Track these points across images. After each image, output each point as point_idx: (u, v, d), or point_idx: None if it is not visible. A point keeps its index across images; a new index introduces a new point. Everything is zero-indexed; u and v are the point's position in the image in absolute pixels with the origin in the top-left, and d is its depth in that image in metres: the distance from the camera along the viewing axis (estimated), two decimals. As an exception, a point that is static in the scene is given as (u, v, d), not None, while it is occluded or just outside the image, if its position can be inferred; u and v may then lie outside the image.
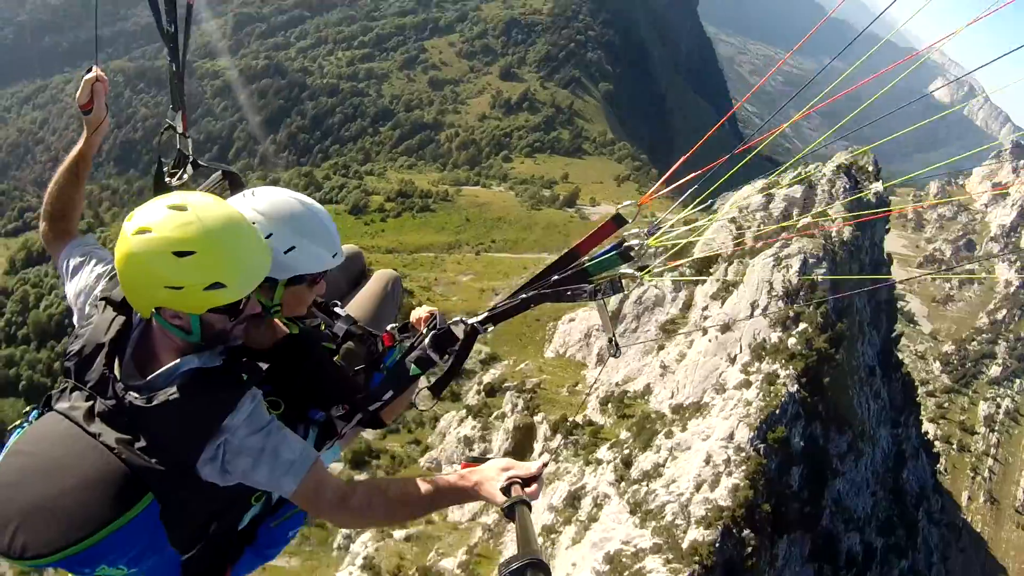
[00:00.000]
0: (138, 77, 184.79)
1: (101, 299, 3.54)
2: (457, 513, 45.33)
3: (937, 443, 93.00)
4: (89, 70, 4.13)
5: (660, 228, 3.67)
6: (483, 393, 55.37)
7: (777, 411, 33.18)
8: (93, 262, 3.86)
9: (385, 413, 4.06)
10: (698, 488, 33.05)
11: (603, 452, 39.30)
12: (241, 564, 3.87)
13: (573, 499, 37.57)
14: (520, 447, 46.95)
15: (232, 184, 4.24)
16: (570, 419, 45.60)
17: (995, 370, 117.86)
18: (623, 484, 35.56)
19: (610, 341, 3.86)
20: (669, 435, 35.60)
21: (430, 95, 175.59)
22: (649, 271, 3.68)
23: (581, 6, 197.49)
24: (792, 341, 35.82)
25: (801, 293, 37.78)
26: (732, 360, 37.58)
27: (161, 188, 4.30)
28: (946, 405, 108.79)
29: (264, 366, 3.50)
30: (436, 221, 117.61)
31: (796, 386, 34.08)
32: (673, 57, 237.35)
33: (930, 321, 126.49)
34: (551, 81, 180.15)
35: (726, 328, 38.89)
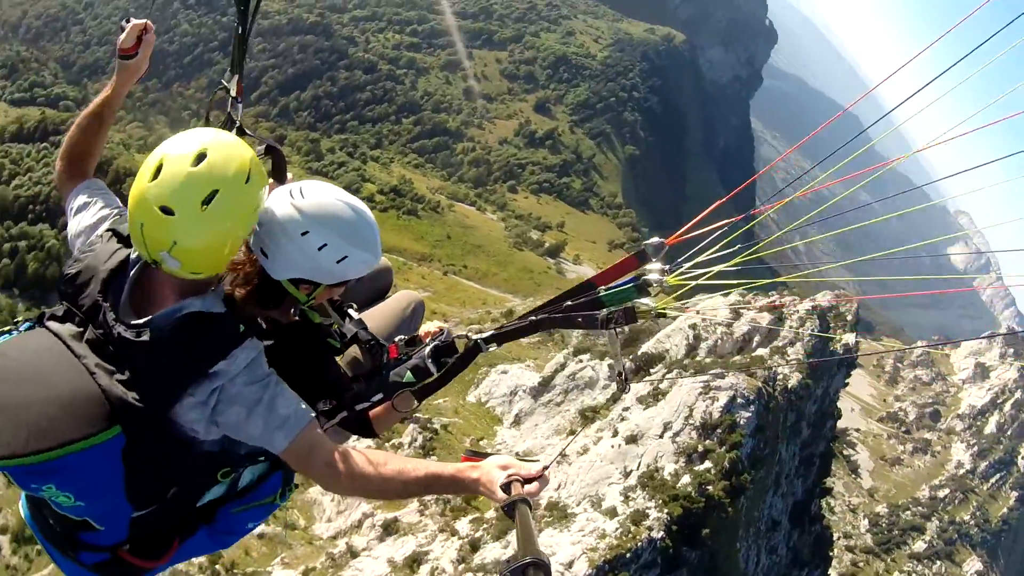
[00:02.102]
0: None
1: (108, 230, 3.58)
2: (322, 527, 43.33)
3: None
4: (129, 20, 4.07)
5: (680, 267, 3.71)
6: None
7: (628, 555, 30.82)
8: (99, 204, 3.88)
9: (377, 424, 4.03)
10: (522, 611, 30.62)
11: (463, 523, 37.10)
12: (193, 541, 3.80)
13: (414, 561, 35.27)
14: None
15: (274, 162, 4.32)
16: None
17: (920, 545, 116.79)
18: (461, 567, 33.34)
19: (619, 375, 3.86)
20: (521, 537, 33.32)
21: (461, 103, 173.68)
22: (665, 305, 3.67)
23: (635, 65, 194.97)
24: (686, 480, 33.45)
25: (718, 431, 35.43)
26: (626, 475, 35.34)
27: None
28: (861, 565, 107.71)
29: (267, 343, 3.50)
30: (418, 228, 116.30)
31: (663, 533, 31.66)
32: (710, 142, 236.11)
33: (872, 478, 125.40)
34: (581, 128, 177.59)
35: (632, 440, 36.57)
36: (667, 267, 3.61)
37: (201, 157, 3.08)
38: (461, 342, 4.05)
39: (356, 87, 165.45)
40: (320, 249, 3.51)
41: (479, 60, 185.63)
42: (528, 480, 3.09)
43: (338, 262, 3.57)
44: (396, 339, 4.37)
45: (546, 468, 3.19)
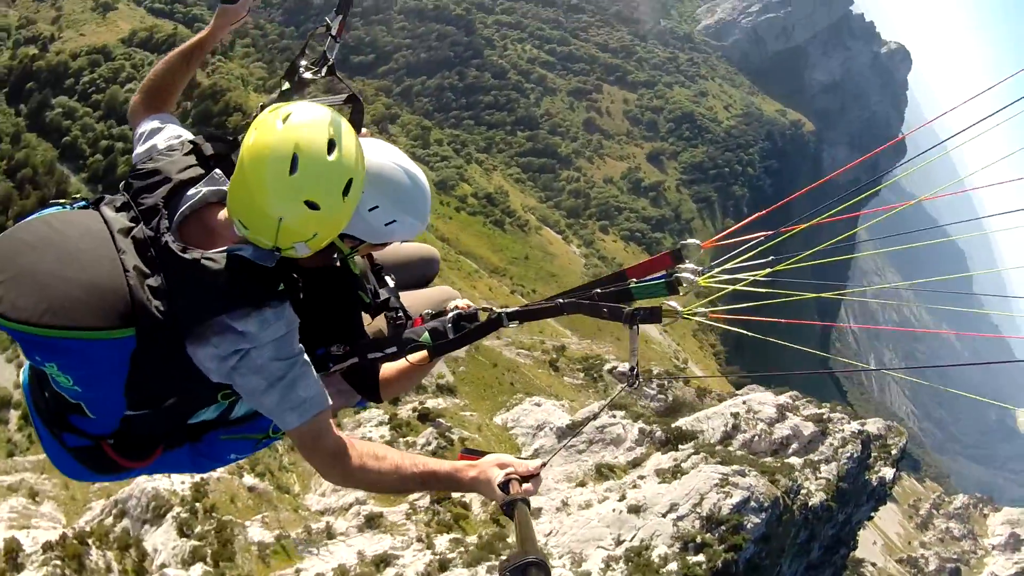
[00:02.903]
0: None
1: (190, 141, 3.66)
2: (313, 499, 43.14)
3: None
4: None
5: (713, 270, 3.65)
6: (415, 412, 52.71)
7: (591, 628, 30.07)
8: (171, 129, 3.90)
9: (385, 388, 4.13)
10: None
11: (443, 540, 36.57)
12: (175, 455, 3.88)
13: (382, 561, 34.63)
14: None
15: (353, 112, 4.17)
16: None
17: None
18: (426, 583, 32.85)
19: (631, 370, 3.76)
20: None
21: (578, 132, 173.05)
22: (690, 310, 3.57)
23: (757, 142, 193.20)
24: (673, 567, 32.37)
25: (722, 527, 34.31)
26: (617, 543, 34.45)
27: (292, 75, 4.40)
28: None
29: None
30: (500, 241, 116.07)
31: (631, 616, 30.71)
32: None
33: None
34: (688, 188, 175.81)
35: (635, 510, 35.67)
36: (701, 269, 3.58)
37: (332, 144, 3.11)
38: (485, 315, 4.08)
39: (481, 88, 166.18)
40: (371, 211, 3.64)
41: (607, 96, 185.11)
42: (526, 478, 3.18)
43: (387, 224, 3.71)
44: (423, 312, 4.40)
45: (543, 466, 3.27)
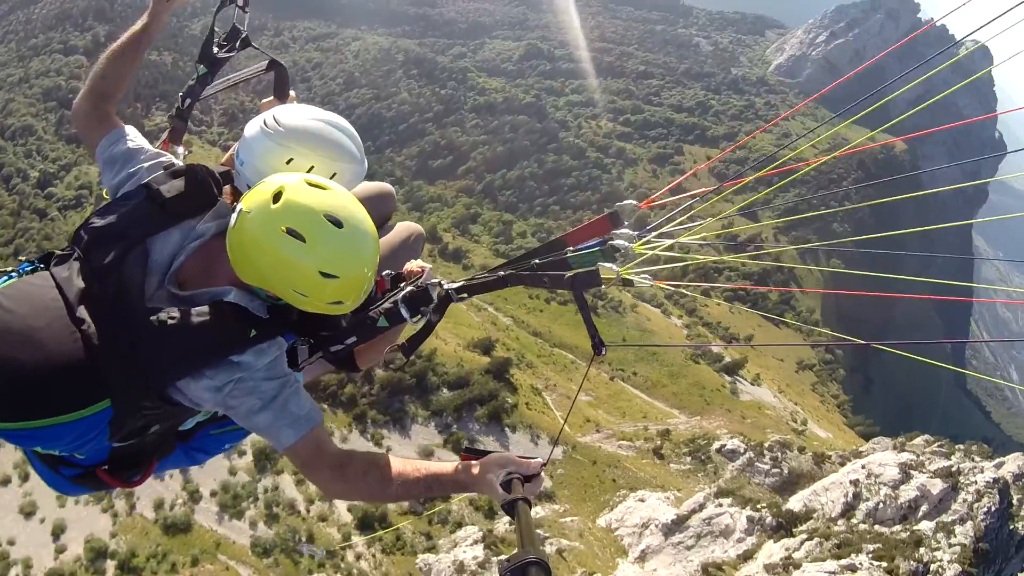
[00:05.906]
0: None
1: (144, 187, 3.54)
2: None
3: None
4: None
5: (649, 235, 3.75)
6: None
7: None
8: (138, 162, 3.74)
9: (360, 359, 4.13)
10: None
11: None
12: (169, 460, 3.87)
13: None
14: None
15: (277, 78, 4.53)
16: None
17: None
18: None
19: (592, 339, 3.76)
20: None
21: (666, 197, 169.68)
22: (627, 270, 3.57)
23: (849, 174, 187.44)
24: None
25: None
26: None
27: (207, 57, 4.44)
28: None
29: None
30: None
31: None
32: (924, 261, 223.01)
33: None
34: (785, 235, 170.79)
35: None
36: (636, 233, 3.63)
37: (335, 223, 3.10)
38: (435, 292, 3.85)
39: (562, 172, 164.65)
40: (309, 172, 3.49)
41: (689, 155, 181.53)
42: (527, 478, 3.13)
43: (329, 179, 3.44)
44: (383, 273, 4.02)
45: (544, 466, 3.20)
